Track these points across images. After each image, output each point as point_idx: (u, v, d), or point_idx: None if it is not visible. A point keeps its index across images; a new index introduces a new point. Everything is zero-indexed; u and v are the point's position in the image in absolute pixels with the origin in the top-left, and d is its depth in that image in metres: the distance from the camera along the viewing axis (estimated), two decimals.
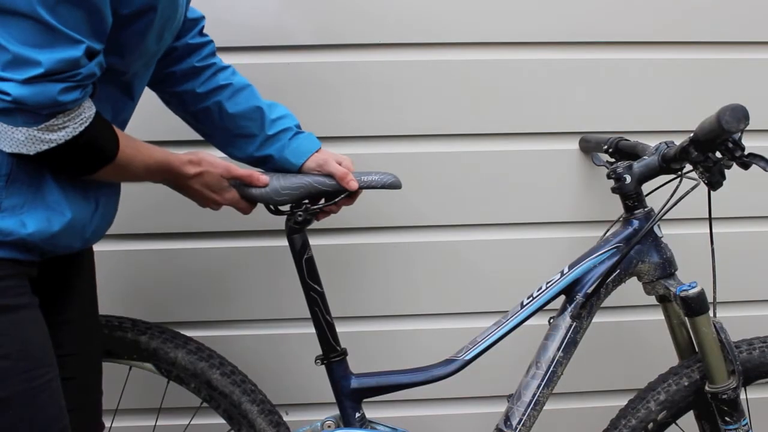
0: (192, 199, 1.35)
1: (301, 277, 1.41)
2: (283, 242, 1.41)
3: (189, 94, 1.40)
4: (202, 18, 1.44)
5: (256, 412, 1.49)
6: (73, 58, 1.00)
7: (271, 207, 1.40)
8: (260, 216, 1.51)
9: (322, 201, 1.41)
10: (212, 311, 1.79)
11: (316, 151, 1.41)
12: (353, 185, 1.38)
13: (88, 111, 1.07)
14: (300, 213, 1.38)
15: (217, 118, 1.40)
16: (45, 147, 1.04)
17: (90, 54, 1.03)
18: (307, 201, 1.40)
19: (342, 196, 1.40)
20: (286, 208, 1.40)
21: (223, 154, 1.46)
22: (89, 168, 1.13)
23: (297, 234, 1.39)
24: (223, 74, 1.42)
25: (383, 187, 1.40)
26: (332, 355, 1.43)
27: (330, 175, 1.38)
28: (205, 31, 1.45)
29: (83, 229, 1.18)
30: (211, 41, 1.44)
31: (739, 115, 1.19)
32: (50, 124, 1.03)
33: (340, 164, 1.40)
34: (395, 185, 1.41)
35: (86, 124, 1.06)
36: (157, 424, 1.74)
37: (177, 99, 1.42)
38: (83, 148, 1.08)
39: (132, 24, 1.10)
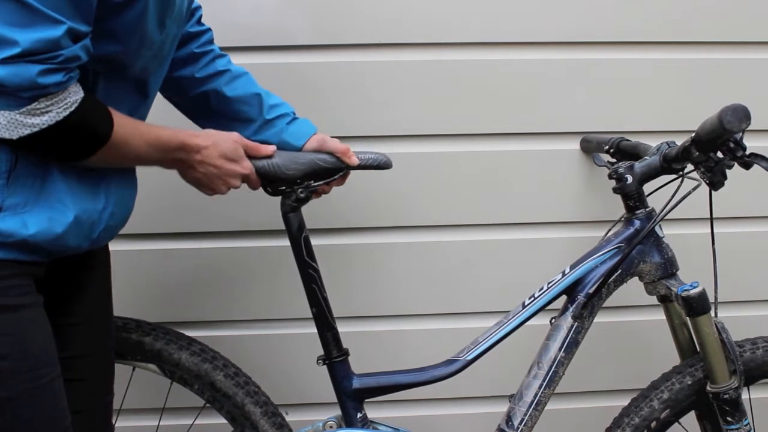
0: (207, 183, 1.30)
1: (298, 256, 1.41)
2: (285, 242, 1.42)
3: (188, 79, 1.41)
4: (199, 8, 1.45)
5: (259, 414, 1.49)
6: (52, 38, 0.98)
7: (268, 189, 1.40)
8: (262, 216, 1.51)
9: (313, 181, 1.40)
10: (214, 311, 1.79)
11: (314, 134, 1.43)
12: (354, 160, 1.41)
13: (74, 95, 1.04)
14: (302, 190, 1.38)
15: (214, 102, 1.41)
16: (27, 131, 1.01)
17: (74, 36, 1.01)
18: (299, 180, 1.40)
19: (339, 174, 1.42)
20: (283, 188, 1.40)
21: None
22: (81, 152, 1.09)
23: (293, 213, 1.40)
24: (221, 60, 1.44)
25: (379, 166, 1.44)
26: (334, 355, 1.43)
27: (330, 153, 1.40)
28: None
29: (91, 228, 1.17)
30: (209, 29, 1.46)
31: (740, 114, 1.19)
32: (32, 107, 1.00)
33: None
34: (388, 164, 1.45)
35: (71, 109, 1.03)
36: (160, 424, 1.74)
37: (176, 84, 1.42)
38: (70, 133, 1.05)
39: (125, 11, 1.08)
